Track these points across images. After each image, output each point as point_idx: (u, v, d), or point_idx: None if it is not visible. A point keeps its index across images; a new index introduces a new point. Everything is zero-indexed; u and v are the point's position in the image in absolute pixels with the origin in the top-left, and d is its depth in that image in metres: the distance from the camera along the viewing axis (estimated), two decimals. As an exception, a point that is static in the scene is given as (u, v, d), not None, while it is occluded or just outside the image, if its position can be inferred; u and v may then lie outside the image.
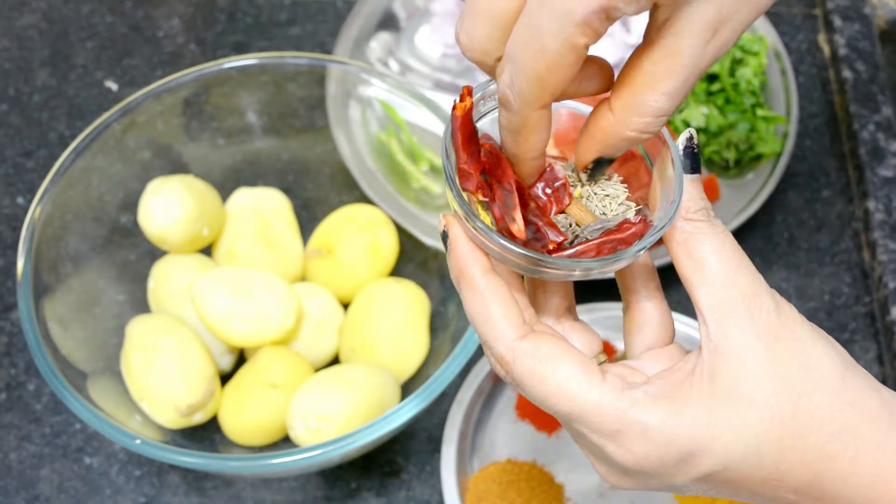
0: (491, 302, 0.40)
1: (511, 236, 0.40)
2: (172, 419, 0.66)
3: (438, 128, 0.72)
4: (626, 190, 0.43)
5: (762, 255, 0.82)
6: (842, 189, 0.86)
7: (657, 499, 0.69)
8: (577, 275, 0.40)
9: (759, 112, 0.84)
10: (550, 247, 0.40)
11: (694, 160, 0.41)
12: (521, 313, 0.41)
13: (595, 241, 0.41)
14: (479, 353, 0.71)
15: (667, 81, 0.37)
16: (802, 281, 0.81)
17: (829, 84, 0.92)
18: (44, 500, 0.70)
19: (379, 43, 0.92)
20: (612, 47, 0.88)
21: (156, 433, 0.66)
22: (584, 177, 0.43)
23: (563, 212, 0.42)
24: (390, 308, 0.70)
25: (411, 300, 0.71)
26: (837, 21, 0.94)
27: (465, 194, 0.40)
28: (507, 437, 0.72)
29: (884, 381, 0.76)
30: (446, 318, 0.72)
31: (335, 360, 0.73)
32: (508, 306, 0.40)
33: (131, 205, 0.72)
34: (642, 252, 0.40)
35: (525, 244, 0.40)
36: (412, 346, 0.70)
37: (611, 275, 0.42)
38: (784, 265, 0.82)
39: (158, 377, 0.65)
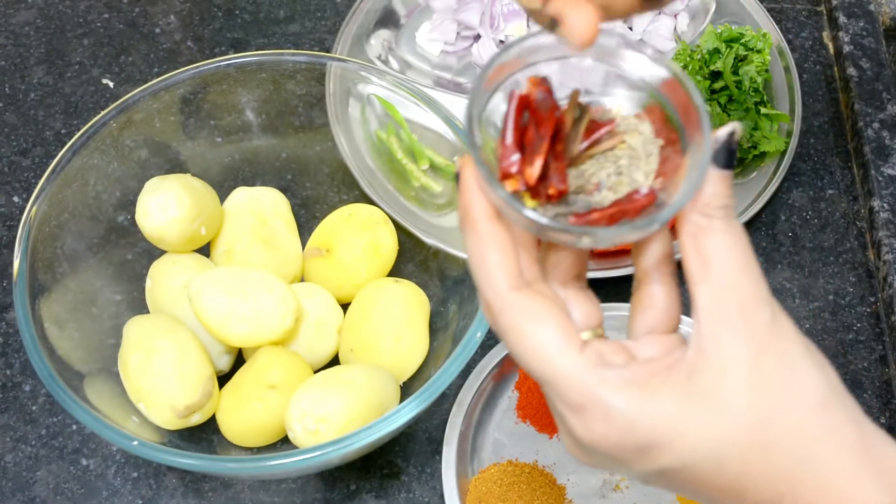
0: (490, 247, 0.40)
1: (530, 190, 0.40)
2: (170, 420, 0.65)
3: (439, 126, 0.71)
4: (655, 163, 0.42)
5: (766, 255, 0.82)
6: (846, 188, 0.85)
7: (659, 501, 0.68)
8: (573, 239, 0.40)
9: (763, 110, 0.83)
10: (550, 191, 0.40)
11: (729, 156, 0.40)
12: (520, 266, 0.40)
13: (605, 211, 0.40)
14: (479, 353, 0.70)
15: None
16: (807, 280, 0.80)
17: (834, 82, 0.92)
18: (40, 503, 0.70)
19: (378, 40, 0.91)
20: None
21: (153, 434, 0.65)
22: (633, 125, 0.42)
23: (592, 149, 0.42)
24: (390, 308, 0.70)
25: (411, 300, 0.71)
26: (842, 18, 0.93)
27: (478, 142, 0.40)
28: (508, 439, 0.71)
29: (888, 383, 0.75)
30: (446, 318, 0.71)
31: (334, 361, 0.73)
32: (507, 255, 0.40)
33: (128, 203, 0.71)
34: (650, 229, 0.39)
35: (535, 195, 0.40)
36: (412, 346, 0.70)
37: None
38: (788, 264, 0.81)
39: (156, 378, 0.65)
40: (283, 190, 0.77)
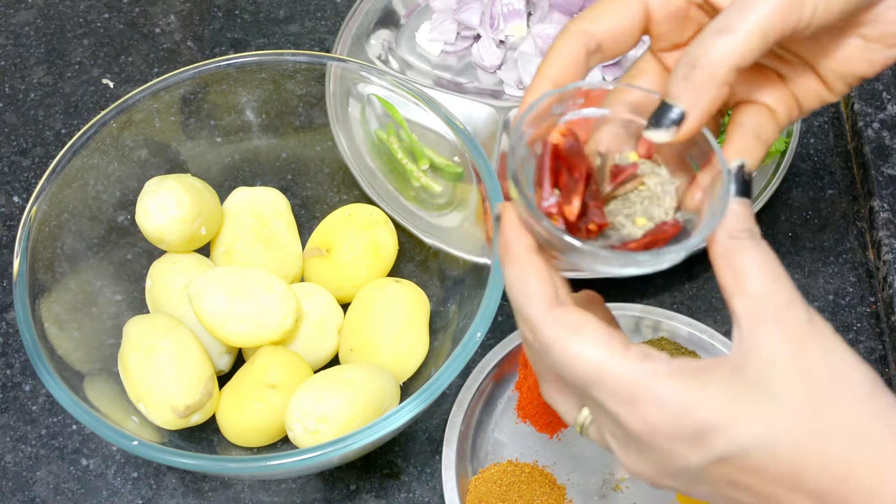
0: (530, 274, 0.43)
1: (568, 227, 0.43)
2: (170, 420, 0.65)
3: (439, 126, 0.71)
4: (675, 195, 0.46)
5: (766, 255, 0.82)
6: (846, 188, 0.85)
7: (660, 501, 0.68)
8: (618, 268, 0.43)
9: (763, 110, 0.83)
10: (591, 226, 0.43)
11: (744, 185, 0.44)
12: (557, 291, 0.43)
13: (640, 241, 0.44)
14: (479, 353, 0.70)
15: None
16: (806, 280, 0.80)
17: (833, 82, 0.92)
18: (40, 503, 0.70)
19: (378, 40, 0.91)
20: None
21: (153, 434, 0.65)
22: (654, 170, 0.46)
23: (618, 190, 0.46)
24: (390, 308, 0.70)
25: (411, 300, 0.71)
26: (841, 18, 0.93)
27: (523, 186, 0.43)
28: (508, 439, 0.71)
29: (889, 382, 0.75)
30: (446, 318, 0.71)
31: (334, 361, 0.73)
32: (546, 281, 0.43)
33: (128, 203, 0.71)
34: (678, 258, 0.43)
35: (572, 231, 0.43)
36: (412, 346, 0.70)
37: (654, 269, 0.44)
38: (788, 264, 0.81)
39: (156, 378, 0.65)
40: (283, 190, 0.77)
